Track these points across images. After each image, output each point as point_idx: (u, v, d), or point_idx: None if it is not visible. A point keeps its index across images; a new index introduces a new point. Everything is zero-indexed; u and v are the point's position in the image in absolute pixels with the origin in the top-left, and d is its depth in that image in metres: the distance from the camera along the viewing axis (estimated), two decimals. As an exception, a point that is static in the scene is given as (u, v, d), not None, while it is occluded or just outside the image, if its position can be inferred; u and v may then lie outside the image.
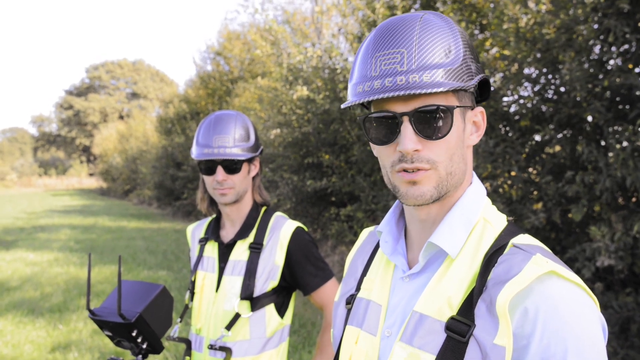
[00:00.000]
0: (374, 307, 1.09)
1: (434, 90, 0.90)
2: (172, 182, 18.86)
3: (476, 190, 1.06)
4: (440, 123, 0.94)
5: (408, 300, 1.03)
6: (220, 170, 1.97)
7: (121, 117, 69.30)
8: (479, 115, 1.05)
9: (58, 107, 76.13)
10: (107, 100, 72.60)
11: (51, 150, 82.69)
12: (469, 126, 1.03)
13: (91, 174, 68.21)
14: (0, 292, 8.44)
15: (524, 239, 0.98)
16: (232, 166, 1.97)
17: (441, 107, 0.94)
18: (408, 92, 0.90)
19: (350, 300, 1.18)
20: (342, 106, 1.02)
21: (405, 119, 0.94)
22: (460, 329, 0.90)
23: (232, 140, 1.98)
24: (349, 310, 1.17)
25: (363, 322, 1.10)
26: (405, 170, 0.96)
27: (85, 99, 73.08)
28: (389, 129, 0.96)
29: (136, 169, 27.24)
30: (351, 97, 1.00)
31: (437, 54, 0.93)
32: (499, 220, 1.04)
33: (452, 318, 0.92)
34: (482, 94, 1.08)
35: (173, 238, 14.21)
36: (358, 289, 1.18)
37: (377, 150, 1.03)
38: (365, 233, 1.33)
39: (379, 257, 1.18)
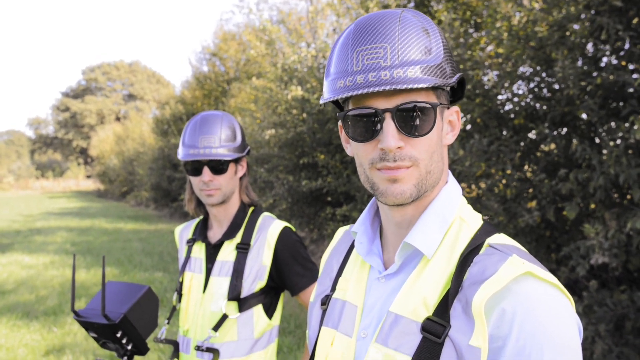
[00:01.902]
0: (350, 308, 1.07)
1: (419, 85, 0.89)
2: (169, 183, 18.83)
3: (452, 190, 1.05)
4: (423, 120, 0.93)
5: (384, 301, 1.01)
6: (206, 170, 1.95)
7: (118, 119, 69.14)
8: (454, 114, 1.04)
9: (54, 109, 75.97)
10: (103, 102, 72.46)
11: (48, 153, 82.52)
12: (445, 125, 1.02)
13: (88, 176, 68.07)
14: (-5, 295, 8.42)
15: (500, 239, 0.97)
16: (218, 167, 1.95)
17: (424, 104, 0.92)
18: (393, 87, 0.88)
19: (326, 301, 1.16)
20: (321, 102, 1.00)
21: (388, 115, 0.92)
22: (435, 329, 0.89)
23: (218, 141, 1.96)
24: (324, 311, 1.15)
25: (339, 323, 1.08)
26: (387, 168, 0.94)
27: (81, 101, 72.94)
28: (370, 126, 0.94)
29: (133, 170, 27.17)
30: (329, 93, 0.97)
31: (419, 51, 0.92)
32: (475, 219, 1.02)
33: (427, 319, 0.91)
34: (456, 94, 1.07)
35: (169, 239, 14.18)
36: (333, 289, 1.16)
37: (355, 147, 1.01)
38: (340, 232, 1.31)
39: (354, 257, 1.16)
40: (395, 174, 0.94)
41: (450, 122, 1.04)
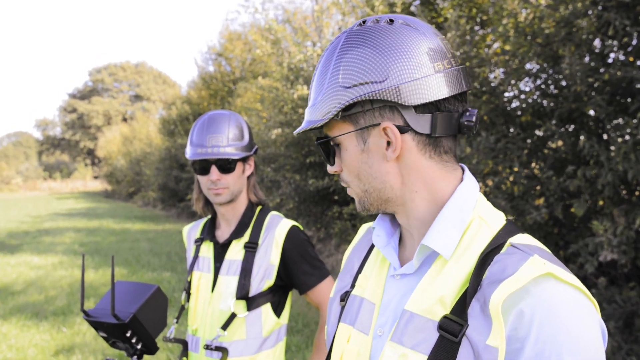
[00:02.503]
0: (367, 305, 1.07)
1: (306, 128, 1.02)
2: (176, 183, 18.88)
3: (468, 189, 1.02)
4: (330, 151, 1.06)
5: (399, 299, 1.00)
6: (214, 169, 1.95)
7: (124, 120, 69.33)
8: (387, 130, 0.97)
9: (62, 110, 76.33)
10: (110, 103, 72.74)
11: (56, 154, 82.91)
12: (381, 142, 0.98)
13: (96, 177, 68.39)
14: (5, 295, 8.47)
15: (523, 239, 0.94)
16: (226, 165, 1.96)
17: (322, 139, 1.06)
18: (296, 132, 1.06)
19: (345, 297, 1.15)
20: (295, 132, 1.10)
21: None
22: (452, 328, 0.87)
23: (226, 140, 1.97)
24: (342, 307, 1.15)
25: (355, 321, 1.08)
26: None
27: (88, 102, 73.26)
28: None
29: (140, 171, 27.27)
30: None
31: (320, 88, 1.02)
32: (496, 219, 1.00)
33: (445, 317, 0.89)
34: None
35: (177, 239, 14.22)
36: (353, 285, 1.15)
37: None
38: (363, 229, 1.31)
39: (375, 254, 1.15)
40: (349, 193, 1.09)
41: (388, 137, 0.98)
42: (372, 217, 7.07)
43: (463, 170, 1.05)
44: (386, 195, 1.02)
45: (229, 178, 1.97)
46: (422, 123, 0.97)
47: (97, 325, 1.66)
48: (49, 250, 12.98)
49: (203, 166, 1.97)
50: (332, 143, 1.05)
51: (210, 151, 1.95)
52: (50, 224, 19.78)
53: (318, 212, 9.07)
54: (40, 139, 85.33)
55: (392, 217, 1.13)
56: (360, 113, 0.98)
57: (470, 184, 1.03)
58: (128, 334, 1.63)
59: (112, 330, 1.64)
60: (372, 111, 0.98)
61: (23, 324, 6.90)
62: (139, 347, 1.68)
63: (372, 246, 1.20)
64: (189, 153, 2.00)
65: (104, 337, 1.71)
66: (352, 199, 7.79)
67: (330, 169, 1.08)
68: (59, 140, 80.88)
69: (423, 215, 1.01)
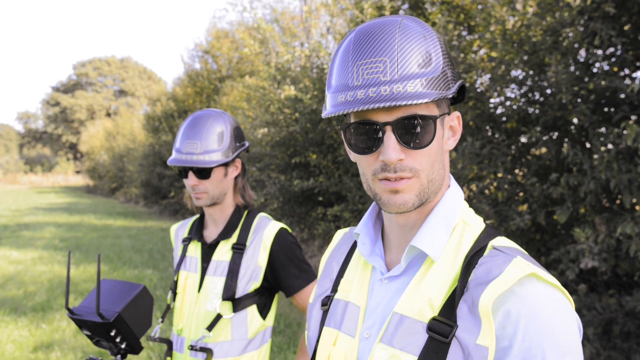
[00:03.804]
0: (353, 308, 1.09)
1: (419, 101, 0.89)
2: (159, 180, 18.76)
3: (454, 193, 1.07)
4: (424, 132, 0.94)
5: (387, 301, 1.03)
6: (191, 175, 1.95)
7: (108, 115, 68.67)
8: (455, 119, 1.05)
9: (44, 103, 75.35)
10: (94, 98, 71.97)
11: (37, 147, 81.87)
12: (447, 131, 1.03)
13: (78, 172, 67.67)
14: (-17, 290, 8.35)
15: (503, 242, 0.99)
16: (202, 172, 1.95)
17: (424, 117, 0.93)
18: (392, 104, 0.88)
19: (327, 302, 1.17)
20: (323, 116, 1.01)
21: (388, 128, 0.93)
22: (442, 329, 0.90)
23: (201, 147, 1.94)
24: (325, 312, 1.16)
25: (341, 324, 1.09)
26: (387, 179, 0.96)
27: (72, 96, 72.41)
28: (371, 138, 0.95)
29: (123, 167, 27.04)
30: (331, 107, 0.98)
31: (418, 63, 0.92)
32: (477, 223, 1.05)
33: (434, 319, 0.92)
34: (456, 97, 1.08)
35: (159, 237, 14.12)
36: (334, 290, 1.17)
37: (357, 158, 1.02)
38: (339, 234, 1.32)
39: (356, 258, 1.17)
40: (396, 186, 0.95)
41: (452, 128, 1.05)
42: (355, 222, 7.08)
43: None
44: (438, 187, 1.01)
45: (207, 183, 1.96)
46: None
47: (81, 324, 1.65)
48: (29, 245, 12.82)
49: (182, 170, 1.97)
50: (416, 122, 0.93)
51: (184, 158, 1.93)
52: (30, 218, 19.53)
53: (302, 213, 9.07)
54: (21, 132, 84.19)
55: (375, 222, 1.15)
56: (444, 99, 1.00)
57: (457, 189, 1.08)
58: (112, 333, 1.62)
59: (97, 329, 1.63)
60: (447, 99, 1.02)
61: (1, 319, 6.81)
62: (123, 346, 1.67)
63: (351, 250, 1.22)
64: (171, 157, 2.00)
65: (87, 336, 1.70)
66: (343, 202, 7.81)
67: (396, 155, 0.93)
68: (40, 134, 79.88)
69: (432, 209, 1.04)
